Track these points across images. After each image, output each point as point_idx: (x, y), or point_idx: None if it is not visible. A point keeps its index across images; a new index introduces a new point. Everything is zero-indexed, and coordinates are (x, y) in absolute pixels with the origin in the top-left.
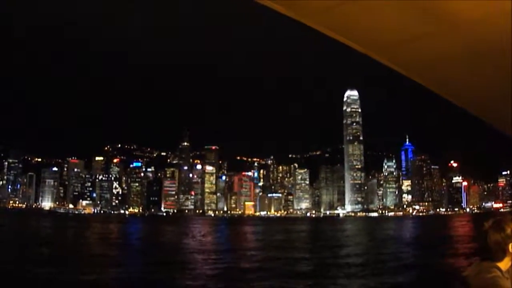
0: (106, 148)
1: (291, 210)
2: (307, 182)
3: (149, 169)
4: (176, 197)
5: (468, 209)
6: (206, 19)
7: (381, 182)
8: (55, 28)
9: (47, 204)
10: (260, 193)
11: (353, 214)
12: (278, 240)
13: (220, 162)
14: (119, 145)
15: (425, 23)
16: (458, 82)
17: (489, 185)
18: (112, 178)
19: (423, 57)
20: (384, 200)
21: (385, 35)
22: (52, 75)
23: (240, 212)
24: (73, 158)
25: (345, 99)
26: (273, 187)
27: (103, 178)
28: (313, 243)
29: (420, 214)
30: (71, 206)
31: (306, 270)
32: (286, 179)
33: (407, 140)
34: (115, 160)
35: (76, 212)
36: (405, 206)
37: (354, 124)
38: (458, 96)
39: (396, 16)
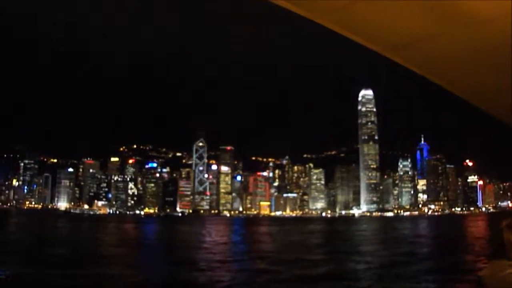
0: (121, 148)
1: (306, 210)
2: (322, 182)
3: (164, 170)
4: (191, 197)
5: (483, 209)
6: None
7: (396, 182)
8: (78, 27)
9: (62, 204)
10: (276, 193)
11: (368, 214)
12: (295, 240)
13: (235, 162)
14: (135, 146)
15: (439, 21)
16: (473, 80)
17: (505, 184)
18: (128, 179)
19: (436, 55)
20: (400, 199)
21: (400, 34)
22: (70, 77)
23: (255, 212)
24: (88, 159)
25: (360, 98)
26: (288, 187)
27: (119, 179)
28: (330, 244)
29: (436, 213)
30: (86, 206)
31: (323, 273)
32: (301, 179)
33: (422, 139)
34: (130, 161)
35: (91, 212)
36: (420, 205)
37: (369, 123)
38: (472, 95)
39: (410, 15)
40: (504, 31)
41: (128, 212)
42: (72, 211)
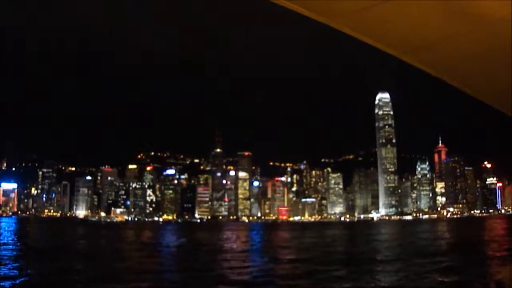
0: (139, 156)
1: (325, 215)
2: (341, 186)
3: (182, 176)
4: (209, 203)
5: (503, 211)
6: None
7: (415, 185)
8: (85, 39)
9: (81, 212)
10: (294, 198)
11: (387, 218)
12: (315, 247)
13: (253, 168)
14: (152, 153)
15: (455, 22)
16: (490, 81)
17: None
18: (146, 186)
19: (453, 57)
20: (418, 202)
21: (416, 36)
22: (87, 87)
23: (274, 217)
24: (106, 166)
25: (376, 102)
26: (306, 192)
27: (137, 186)
28: (352, 250)
29: (455, 216)
30: (103, 214)
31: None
32: (320, 183)
33: (440, 141)
34: (148, 168)
35: (108, 220)
36: (439, 208)
37: (387, 127)
38: (489, 96)
39: (427, 16)
40: None
41: (146, 219)
42: (89, 218)
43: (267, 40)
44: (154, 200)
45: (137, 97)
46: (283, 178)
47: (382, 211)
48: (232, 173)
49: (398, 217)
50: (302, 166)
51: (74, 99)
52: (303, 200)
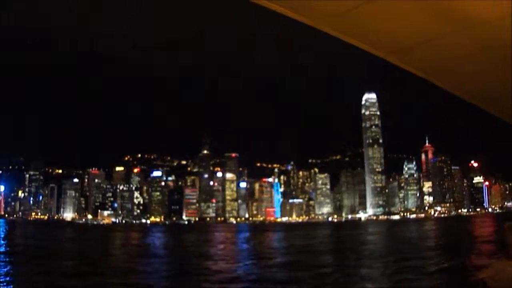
0: (126, 158)
1: (312, 215)
2: (328, 187)
3: (169, 178)
4: (197, 205)
5: (490, 209)
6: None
7: (402, 185)
8: (80, 40)
9: (68, 215)
10: (281, 199)
11: (374, 218)
12: (302, 248)
13: (240, 169)
14: (139, 155)
15: (441, 23)
16: (475, 81)
17: (510, 184)
18: (133, 188)
19: (439, 58)
20: (406, 202)
21: (402, 37)
22: (72, 88)
23: (261, 218)
24: (93, 169)
25: (363, 102)
26: (294, 192)
27: (124, 188)
28: (340, 250)
29: (442, 215)
30: (89, 216)
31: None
32: (307, 184)
33: (427, 141)
34: (135, 170)
35: (95, 222)
36: (426, 208)
37: (373, 127)
38: (475, 96)
39: (412, 18)
40: (505, 32)
41: (134, 221)
42: (76, 221)
43: (252, 39)
44: (141, 202)
45: (127, 106)
46: (270, 179)
47: (370, 211)
48: (219, 174)
49: (386, 217)
50: (289, 167)
51: (60, 101)
52: (290, 200)
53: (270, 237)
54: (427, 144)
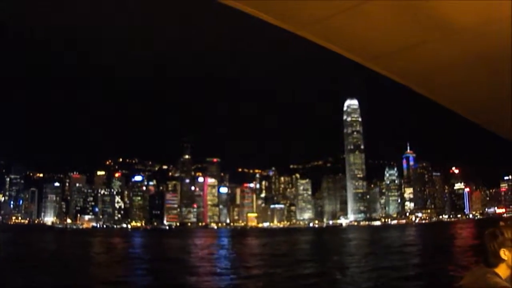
0: (107, 162)
1: (294, 221)
2: (309, 193)
3: (150, 183)
4: (178, 210)
5: (471, 215)
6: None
7: (383, 191)
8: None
9: (49, 219)
10: (263, 205)
11: (356, 223)
12: (282, 253)
13: (222, 174)
14: (121, 159)
15: (421, 30)
16: (456, 88)
17: (491, 190)
18: (114, 192)
19: (420, 65)
20: (387, 208)
21: (381, 44)
22: (53, 89)
23: (243, 223)
24: (75, 173)
25: (345, 108)
26: (275, 198)
27: (105, 193)
28: (318, 255)
29: (423, 221)
30: (69, 221)
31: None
32: (288, 190)
33: (408, 147)
34: (116, 175)
35: (74, 227)
36: (407, 214)
37: (355, 133)
38: (456, 103)
39: (391, 24)
40: (490, 38)
41: (115, 226)
42: (56, 225)
43: (230, 40)
44: (122, 206)
45: (108, 109)
46: (252, 185)
47: (351, 216)
48: (200, 179)
49: (367, 222)
50: (271, 173)
51: (42, 104)
52: (272, 206)
53: (251, 244)
54: (408, 150)
